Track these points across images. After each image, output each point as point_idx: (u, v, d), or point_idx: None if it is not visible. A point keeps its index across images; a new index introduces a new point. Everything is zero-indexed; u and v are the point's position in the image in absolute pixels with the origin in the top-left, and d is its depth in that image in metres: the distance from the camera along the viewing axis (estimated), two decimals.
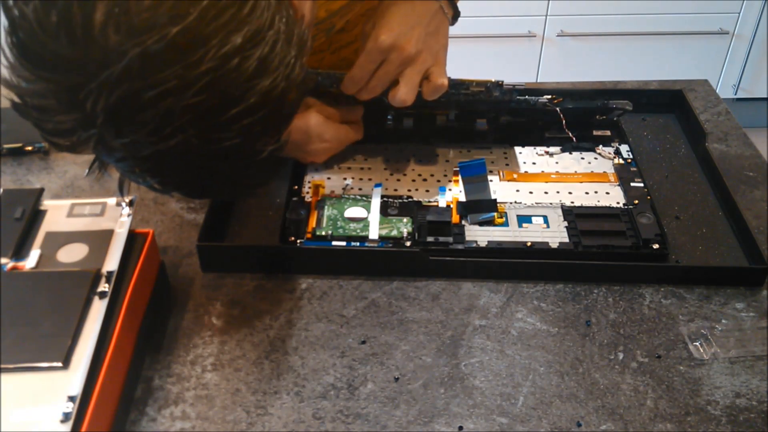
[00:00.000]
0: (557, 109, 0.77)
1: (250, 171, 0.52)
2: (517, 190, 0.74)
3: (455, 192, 0.73)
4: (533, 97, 0.76)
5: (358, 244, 0.68)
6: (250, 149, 0.49)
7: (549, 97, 0.77)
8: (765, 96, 2.18)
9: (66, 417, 0.47)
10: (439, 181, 0.75)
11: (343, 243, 0.68)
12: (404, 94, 0.67)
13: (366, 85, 0.69)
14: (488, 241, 0.68)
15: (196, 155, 0.47)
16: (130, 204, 0.63)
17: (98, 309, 0.54)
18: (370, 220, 0.70)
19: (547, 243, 0.67)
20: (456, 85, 0.72)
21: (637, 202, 0.71)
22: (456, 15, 0.71)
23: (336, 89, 0.70)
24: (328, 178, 0.75)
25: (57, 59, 0.43)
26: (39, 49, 0.44)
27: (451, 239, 0.68)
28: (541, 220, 0.70)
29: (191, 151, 0.46)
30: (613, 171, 0.76)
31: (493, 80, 0.73)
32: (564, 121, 0.78)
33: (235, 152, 0.48)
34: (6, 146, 0.82)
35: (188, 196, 0.56)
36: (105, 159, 0.49)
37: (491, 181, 0.74)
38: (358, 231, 0.69)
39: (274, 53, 0.46)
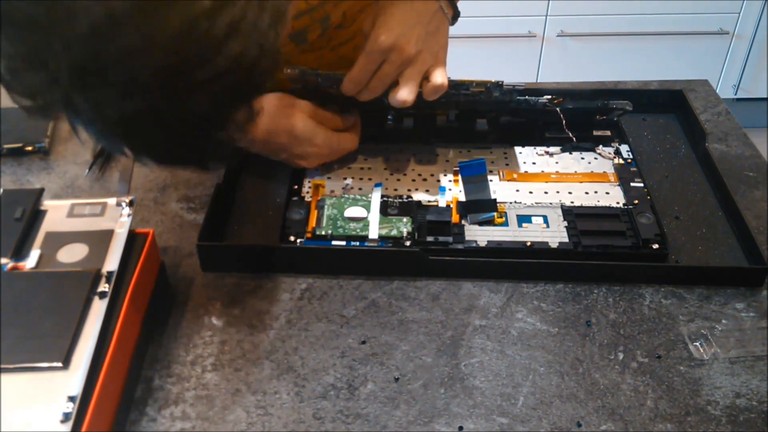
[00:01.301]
0: (557, 109, 0.77)
1: (221, 140, 0.52)
2: (517, 190, 0.74)
3: (455, 192, 0.73)
4: (533, 98, 0.76)
5: (358, 243, 0.68)
6: (219, 117, 0.48)
7: (549, 97, 0.77)
8: (765, 96, 2.18)
9: (66, 417, 0.47)
10: (439, 181, 0.75)
11: (343, 243, 0.68)
12: (404, 95, 0.67)
13: (366, 86, 0.69)
14: (488, 241, 0.68)
15: (164, 120, 0.46)
16: (130, 204, 0.63)
17: (98, 309, 0.54)
18: (370, 220, 0.70)
19: (546, 243, 0.67)
20: (456, 85, 0.72)
21: (637, 202, 0.71)
22: (456, 15, 0.71)
23: (336, 90, 0.70)
24: (328, 178, 0.75)
25: (22, 18, 0.43)
26: (4, 7, 0.43)
27: (451, 239, 0.68)
28: (541, 220, 0.70)
29: (159, 115, 0.46)
30: (613, 171, 0.76)
31: (493, 81, 0.73)
32: (564, 121, 0.78)
33: (204, 119, 0.48)
34: (6, 146, 0.82)
35: (159, 162, 0.55)
36: (74, 122, 0.48)
37: (491, 181, 0.74)
38: (358, 231, 0.69)
39: (246, 18, 0.45)
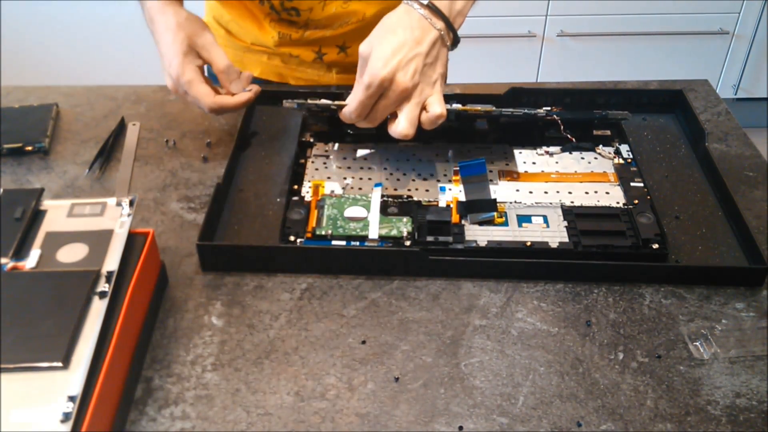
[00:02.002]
0: (556, 118, 0.78)
1: None
2: (517, 190, 0.74)
3: (455, 192, 0.73)
4: (532, 111, 0.76)
5: (358, 243, 0.68)
6: None
7: (548, 108, 0.77)
8: (765, 96, 2.18)
9: (66, 417, 0.47)
10: (439, 181, 0.75)
11: (343, 242, 0.68)
12: (405, 129, 0.68)
13: (364, 117, 0.70)
14: (488, 241, 0.68)
15: None
16: (130, 204, 0.63)
17: (98, 309, 0.54)
18: (370, 220, 0.70)
19: (546, 243, 0.67)
20: (456, 113, 0.73)
21: (637, 201, 0.71)
22: (456, 41, 0.72)
23: (337, 109, 0.71)
24: (328, 178, 0.75)
25: None
26: None
27: (451, 239, 0.68)
28: (540, 219, 0.70)
29: None
30: (613, 171, 0.76)
31: (493, 109, 0.73)
32: (562, 127, 0.78)
33: None
34: (6, 146, 0.82)
35: None
36: None
37: (491, 181, 0.74)
38: (358, 230, 0.69)
39: None
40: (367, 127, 0.71)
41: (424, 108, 0.69)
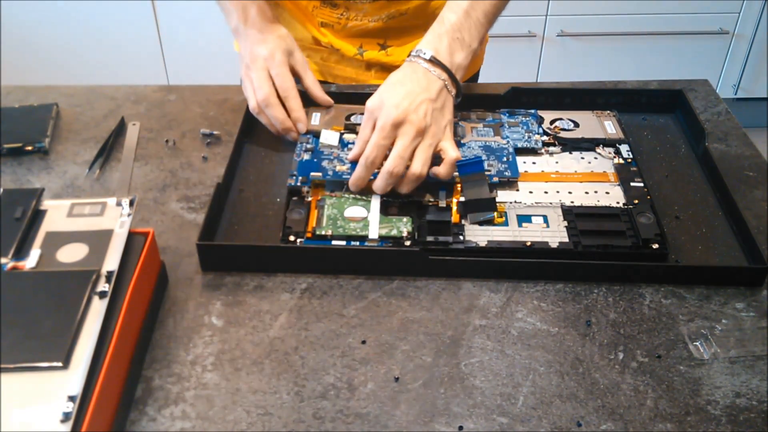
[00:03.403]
0: (554, 141, 0.79)
1: None
2: (517, 190, 0.74)
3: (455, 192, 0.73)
4: (530, 146, 0.78)
5: (358, 243, 0.68)
6: None
7: (546, 138, 0.79)
8: (765, 96, 2.18)
9: (66, 417, 0.47)
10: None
11: (343, 242, 0.68)
12: (418, 169, 0.70)
13: (378, 164, 0.70)
14: (488, 241, 0.68)
15: None
16: (130, 204, 0.63)
17: (98, 309, 0.54)
18: (370, 220, 0.70)
19: (546, 243, 0.67)
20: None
21: (637, 201, 0.71)
22: (459, 93, 0.75)
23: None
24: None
25: None
26: None
27: (450, 239, 0.68)
28: (540, 219, 0.70)
29: None
30: (613, 171, 0.76)
31: (489, 173, 0.74)
32: (557, 140, 0.79)
33: None
34: (6, 146, 0.82)
35: None
36: None
37: (491, 181, 0.74)
38: (358, 230, 0.69)
39: None
40: (385, 187, 0.70)
41: (437, 153, 0.71)
